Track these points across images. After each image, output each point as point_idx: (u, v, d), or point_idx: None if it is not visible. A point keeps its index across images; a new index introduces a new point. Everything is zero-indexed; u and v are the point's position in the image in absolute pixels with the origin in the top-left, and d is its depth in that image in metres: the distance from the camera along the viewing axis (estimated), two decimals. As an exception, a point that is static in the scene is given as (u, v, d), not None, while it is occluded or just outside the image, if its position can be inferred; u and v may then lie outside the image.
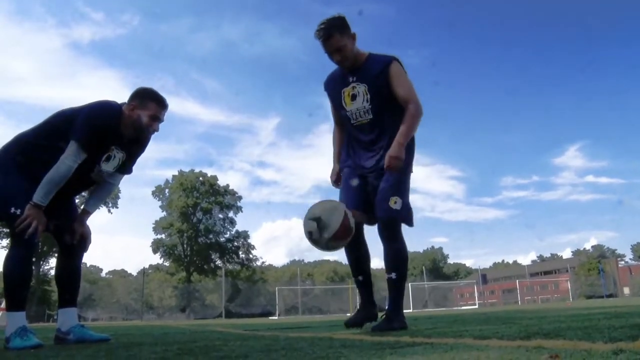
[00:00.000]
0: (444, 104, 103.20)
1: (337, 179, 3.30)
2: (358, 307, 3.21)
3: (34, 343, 2.41)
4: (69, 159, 2.59)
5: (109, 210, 46.73)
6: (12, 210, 2.53)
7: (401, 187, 2.96)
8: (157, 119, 2.75)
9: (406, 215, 2.97)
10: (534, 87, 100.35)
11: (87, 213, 2.95)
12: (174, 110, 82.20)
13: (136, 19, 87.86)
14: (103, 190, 3.02)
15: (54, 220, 2.76)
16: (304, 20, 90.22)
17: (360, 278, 3.18)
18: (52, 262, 55.48)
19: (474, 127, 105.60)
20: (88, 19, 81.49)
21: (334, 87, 3.16)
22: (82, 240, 2.90)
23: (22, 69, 77.43)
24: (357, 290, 3.27)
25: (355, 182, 3.09)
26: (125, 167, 3.00)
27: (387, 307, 2.98)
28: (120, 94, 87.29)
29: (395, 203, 2.88)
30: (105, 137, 2.73)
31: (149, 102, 2.75)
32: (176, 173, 54.13)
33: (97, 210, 3.12)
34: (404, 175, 3.00)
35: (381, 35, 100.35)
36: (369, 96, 2.98)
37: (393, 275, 2.92)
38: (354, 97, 3.03)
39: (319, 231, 2.78)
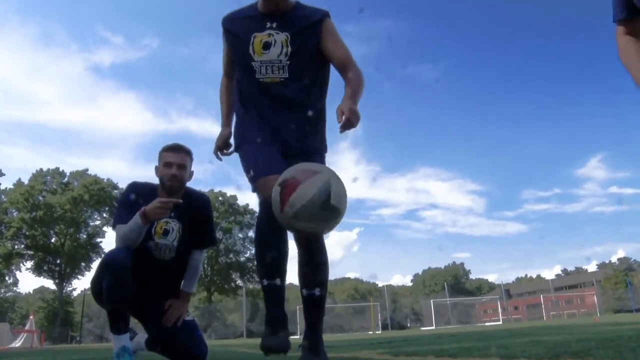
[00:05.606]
0: (462, 117, 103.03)
1: (223, 146, 2.54)
2: (269, 323, 2.22)
3: None
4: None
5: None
6: None
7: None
8: (169, 165, 2.73)
9: None
10: (552, 99, 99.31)
11: (185, 294, 2.94)
12: (193, 131, 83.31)
13: (155, 42, 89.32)
14: (190, 270, 2.98)
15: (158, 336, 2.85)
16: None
17: (278, 282, 2.16)
18: (75, 283, 56.03)
19: (493, 141, 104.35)
20: (109, 43, 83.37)
21: (242, 28, 2.39)
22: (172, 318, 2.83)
23: (46, 93, 78.91)
24: (266, 302, 2.22)
25: (273, 145, 2.30)
26: (196, 241, 2.94)
27: (305, 335, 2.23)
28: (141, 116, 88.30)
29: None
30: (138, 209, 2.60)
31: (162, 153, 2.80)
32: (196, 193, 54.53)
33: (194, 288, 3.10)
34: (324, 161, 2.42)
35: (397, 50, 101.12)
36: (289, 49, 2.29)
37: (317, 291, 2.19)
38: (267, 46, 2.30)
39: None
